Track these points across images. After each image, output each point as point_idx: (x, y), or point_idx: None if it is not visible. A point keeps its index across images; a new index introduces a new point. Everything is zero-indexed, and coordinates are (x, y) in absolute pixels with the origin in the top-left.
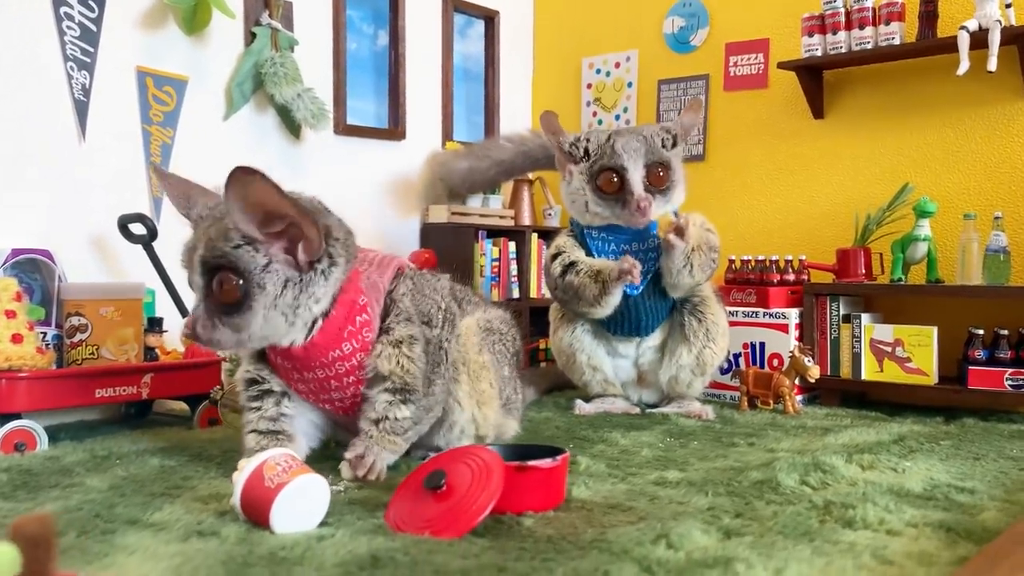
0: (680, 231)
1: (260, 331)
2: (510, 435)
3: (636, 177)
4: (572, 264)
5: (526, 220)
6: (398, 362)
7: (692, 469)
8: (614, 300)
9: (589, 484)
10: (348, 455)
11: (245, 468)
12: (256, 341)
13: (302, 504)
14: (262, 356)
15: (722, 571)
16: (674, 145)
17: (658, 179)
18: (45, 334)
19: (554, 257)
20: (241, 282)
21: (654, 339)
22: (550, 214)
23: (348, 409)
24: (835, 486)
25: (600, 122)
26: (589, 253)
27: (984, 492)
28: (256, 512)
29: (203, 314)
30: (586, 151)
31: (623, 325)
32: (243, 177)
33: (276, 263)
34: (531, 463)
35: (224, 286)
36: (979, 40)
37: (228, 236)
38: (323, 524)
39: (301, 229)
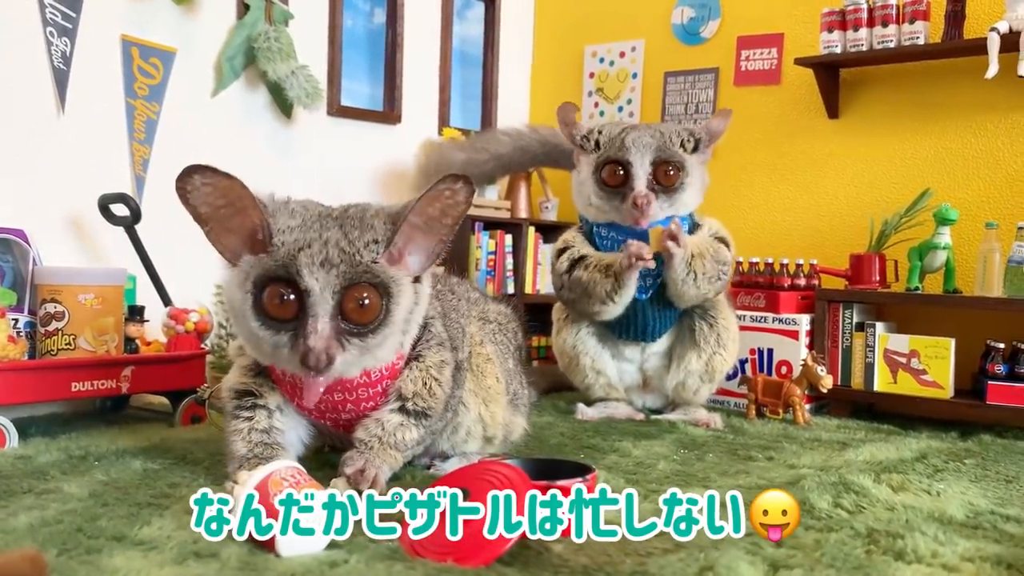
0: (673, 236)
1: (383, 352)
2: (518, 434)
3: (640, 172)
4: (581, 259)
5: (523, 213)
6: (425, 384)
7: (715, 486)
8: (628, 295)
9: None
10: (348, 470)
11: (248, 481)
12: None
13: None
14: (261, 371)
15: None
16: (695, 149)
17: (666, 178)
18: (17, 321)
19: (561, 252)
20: (383, 301)
21: (660, 345)
22: (547, 207)
23: (349, 426)
24: (871, 510)
25: (602, 113)
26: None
27: None
28: None
29: (331, 333)
30: (597, 143)
31: (629, 329)
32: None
33: (403, 273)
34: (559, 483)
35: (366, 303)
36: (1009, 43)
37: (369, 244)
38: (333, 546)
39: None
